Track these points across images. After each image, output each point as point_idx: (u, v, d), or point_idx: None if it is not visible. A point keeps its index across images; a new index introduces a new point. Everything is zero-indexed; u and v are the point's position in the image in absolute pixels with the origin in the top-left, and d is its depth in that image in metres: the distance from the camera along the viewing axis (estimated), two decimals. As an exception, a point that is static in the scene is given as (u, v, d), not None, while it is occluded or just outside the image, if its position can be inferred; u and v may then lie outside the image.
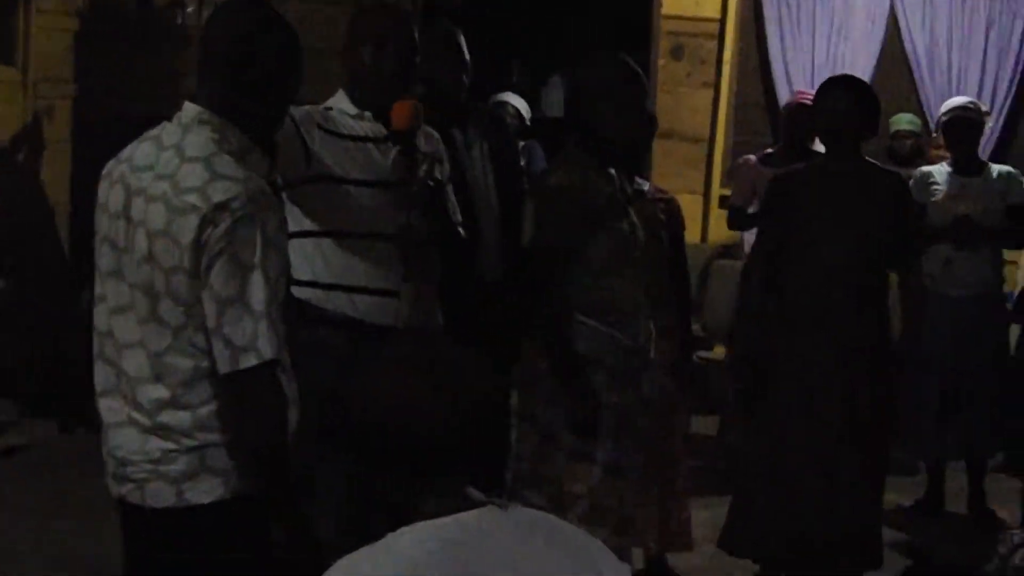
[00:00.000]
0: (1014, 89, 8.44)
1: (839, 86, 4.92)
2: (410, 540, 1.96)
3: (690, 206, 8.08)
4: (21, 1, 7.37)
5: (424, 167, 4.03)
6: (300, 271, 3.80)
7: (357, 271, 3.95)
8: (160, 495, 2.79)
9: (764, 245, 5.13)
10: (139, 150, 2.86)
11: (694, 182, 8.30)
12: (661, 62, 8.34)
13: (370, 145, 3.97)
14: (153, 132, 2.88)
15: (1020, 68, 8.43)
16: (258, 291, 2.67)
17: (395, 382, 2.03)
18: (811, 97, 6.48)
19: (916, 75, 8.47)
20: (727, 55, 8.45)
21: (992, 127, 7.86)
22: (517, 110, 7.35)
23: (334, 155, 3.89)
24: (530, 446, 4.29)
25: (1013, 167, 6.38)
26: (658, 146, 8.19)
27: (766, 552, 4.94)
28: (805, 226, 4.85)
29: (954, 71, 8.43)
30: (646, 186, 5.17)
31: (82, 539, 5.24)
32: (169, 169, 2.74)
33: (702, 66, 8.42)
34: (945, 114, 6.30)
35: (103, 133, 7.11)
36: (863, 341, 4.78)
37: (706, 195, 8.35)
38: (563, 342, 4.18)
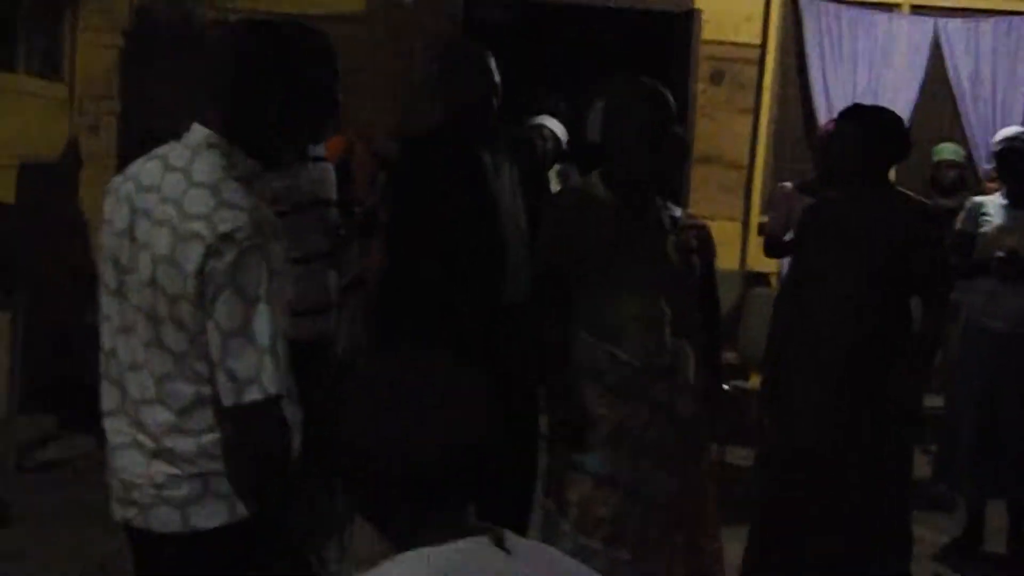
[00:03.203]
0: (1058, 120, 8.35)
1: (846, 121, 4.88)
2: (404, 569, 1.94)
3: (728, 233, 8.07)
4: (68, 18, 7.45)
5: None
6: None
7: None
8: (166, 520, 2.77)
9: (791, 274, 5.15)
10: (145, 169, 2.81)
11: (733, 208, 8.26)
12: (700, 87, 8.31)
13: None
14: (161, 151, 2.83)
15: (1065, 99, 8.37)
16: (263, 323, 2.63)
17: (379, 408, 1.98)
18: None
19: (960, 104, 8.41)
20: (767, 81, 8.41)
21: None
22: (553, 133, 7.37)
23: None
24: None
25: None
26: (696, 172, 8.20)
27: None
28: (819, 256, 4.86)
29: (998, 101, 8.36)
30: (678, 212, 5.14)
31: (118, 550, 5.26)
32: (175, 193, 2.70)
33: (742, 91, 8.39)
34: (997, 144, 6.18)
35: (147, 149, 7.19)
36: (870, 376, 4.77)
37: (745, 222, 8.30)
38: (554, 354, 4.23)
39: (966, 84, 8.38)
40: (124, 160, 7.77)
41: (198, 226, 2.63)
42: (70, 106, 7.49)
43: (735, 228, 8.27)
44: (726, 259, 7.72)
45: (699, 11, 8.22)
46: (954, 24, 8.41)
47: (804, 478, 4.83)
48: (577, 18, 9.47)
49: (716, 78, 8.38)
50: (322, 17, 7.46)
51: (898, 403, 4.76)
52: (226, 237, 2.61)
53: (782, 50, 8.49)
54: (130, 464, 2.81)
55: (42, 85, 7.24)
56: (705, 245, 5.17)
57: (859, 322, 4.77)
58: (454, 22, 8.24)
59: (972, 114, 8.38)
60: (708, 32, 8.29)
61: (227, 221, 2.62)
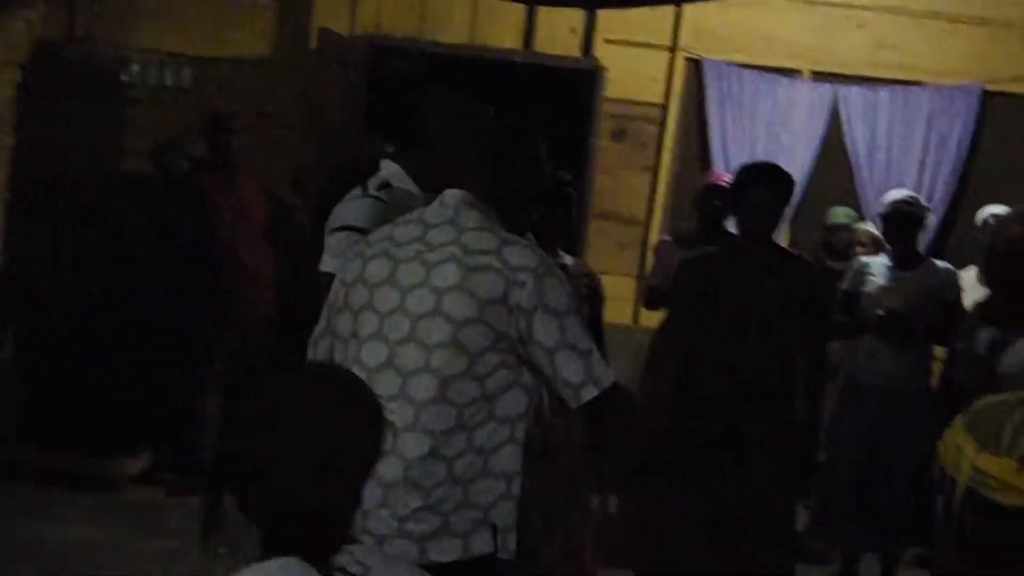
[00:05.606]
0: (951, 188, 8.55)
1: (766, 175, 4.96)
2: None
3: (623, 288, 8.12)
4: (-35, 50, 7.36)
5: None
6: None
7: None
8: (403, 552, 2.90)
9: (674, 328, 5.19)
10: (398, 230, 3.08)
11: (629, 264, 8.32)
12: (603, 144, 8.37)
13: None
14: (412, 215, 3.11)
15: (957, 168, 8.55)
16: (577, 331, 2.93)
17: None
18: (725, 178, 6.56)
19: (855, 169, 8.56)
20: (667, 140, 8.52)
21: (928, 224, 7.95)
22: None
23: None
24: None
25: (949, 264, 6.36)
26: (594, 226, 8.24)
27: None
28: (714, 311, 4.91)
29: (893, 167, 8.52)
30: (568, 260, 5.18)
31: None
32: (449, 237, 2.97)
33: (643, 150, 8.48)
34: (885, 206, 6.30)
35: (41, 186, 7.09)
36: (766, 429, 4.82)
37: (640, 277, 8.36)
38: None
39: (862, 150, 8.53)
40: (16, 195, 7.73)
41: (487, 260, 2.93)
42: (-38, 140, 7.37)
43: (630, 283, 8.32)
44: (621, 314, 7.76)
45: (604, 69, 8.29)
46: (853, 91, 8.57)
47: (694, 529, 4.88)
48: (481, 71, 9.49)
49: (618, 135, 8.46)
50: (230, 59, 7.45)
51: (793, 452, 4.86)
52: (520, 268, 2.92)
53: (684, 110, 8.59)
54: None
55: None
56: (595, 294, 5.23)
57: (750, 376, 4.83)
58: (360, 73, 8.24)
59: (867, 179, 8.53)
60: (612, 90, 8.35)
61: (515, 255, 2.94)
